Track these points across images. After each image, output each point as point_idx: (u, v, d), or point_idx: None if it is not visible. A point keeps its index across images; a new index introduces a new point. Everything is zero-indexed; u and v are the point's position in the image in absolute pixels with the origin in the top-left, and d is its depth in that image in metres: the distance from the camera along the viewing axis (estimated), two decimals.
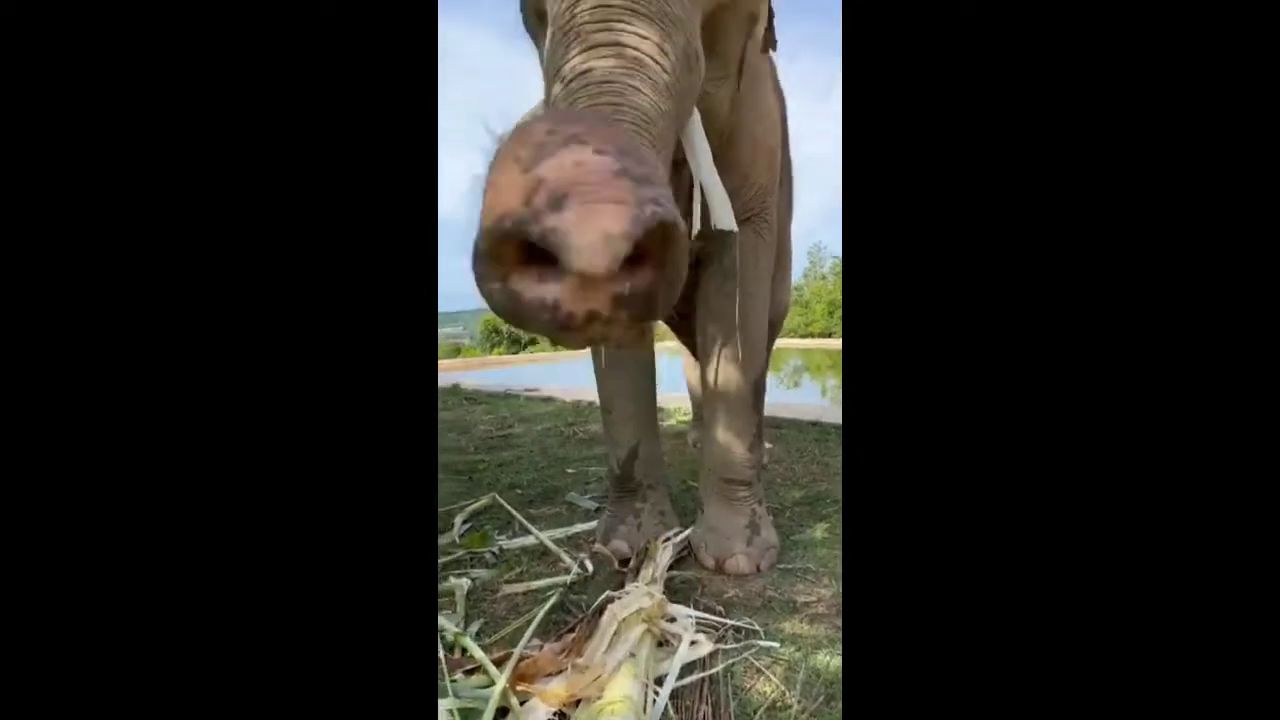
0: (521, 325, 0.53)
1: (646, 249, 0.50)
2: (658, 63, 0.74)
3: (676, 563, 1.42)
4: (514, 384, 4.97)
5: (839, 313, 15.80)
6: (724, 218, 1.02)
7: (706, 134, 0.99)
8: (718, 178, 1.00)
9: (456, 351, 16.45)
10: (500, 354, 15.81)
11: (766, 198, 1.42)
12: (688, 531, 1.49)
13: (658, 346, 1.72)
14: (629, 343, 0.57)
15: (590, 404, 3.72)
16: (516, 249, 0.50)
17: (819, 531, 1.63)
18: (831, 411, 3.21)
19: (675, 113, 0.77)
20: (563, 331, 0.52)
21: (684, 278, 0.56)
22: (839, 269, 16.31)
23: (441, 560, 1.49)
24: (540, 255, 0.49)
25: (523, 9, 1.08)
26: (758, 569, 1.39)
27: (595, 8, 0.74)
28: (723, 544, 1.41)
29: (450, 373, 6.89)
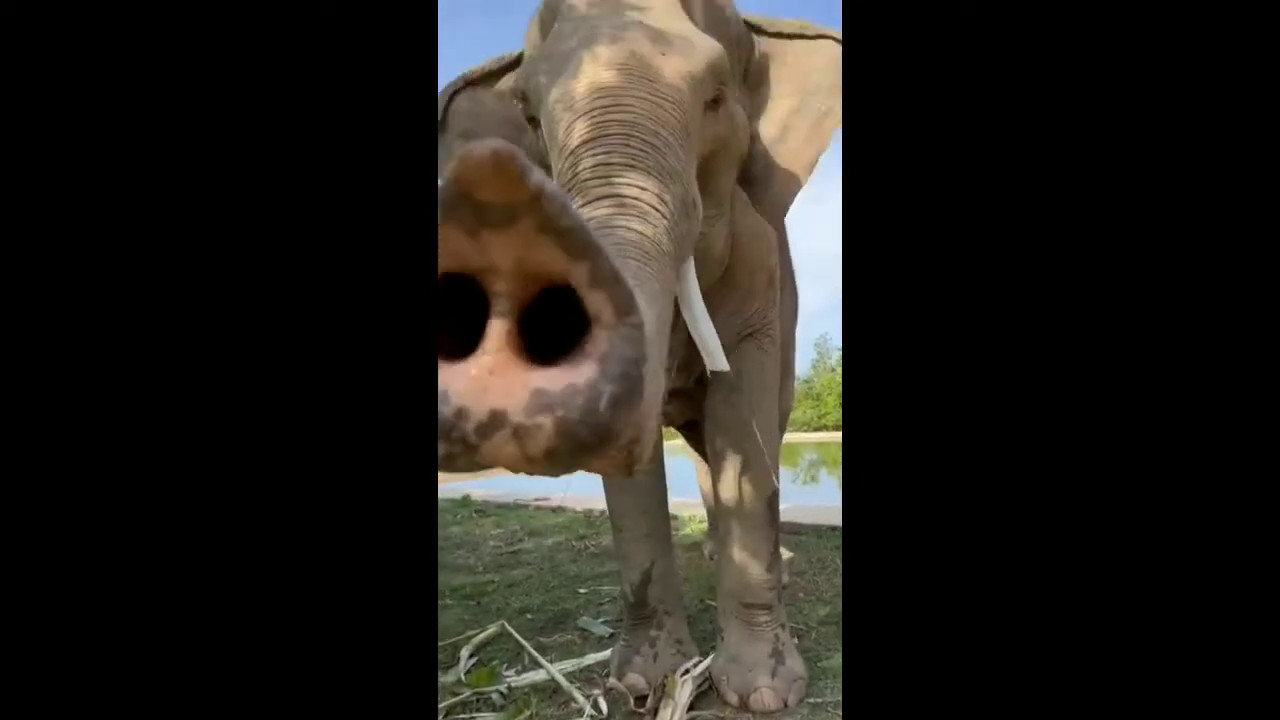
0: None
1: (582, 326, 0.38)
2: (657, 210, 0.77)
3: (698, 698, 1.32)
4: (523, 492, 4.88)
5: None
6: (718, 361, 1.04)
7: (705, 269, 1.02)
8: (710, 324, 1.02)
9: None
10: None
11: (768, 312, 1.46)
12: (707, 662, 1.40)
13: (668, 448, 1.69)
14: (561, 458, 0.39)
15: (602, 514, 3.62)
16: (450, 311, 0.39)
17: None
18: None
19: (675, 254, 0.80)
20: (448, 444, 0.37)
21: (641, 384, 0.39)
22: None
23: (446, 703, 1.39)
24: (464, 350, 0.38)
25: (529, 156, 1.16)
26: (785, 704, 1.28)
27: (596, 165, 0.79)
28: (746, 677, 1.31)
29: (460, 481, 6.81)
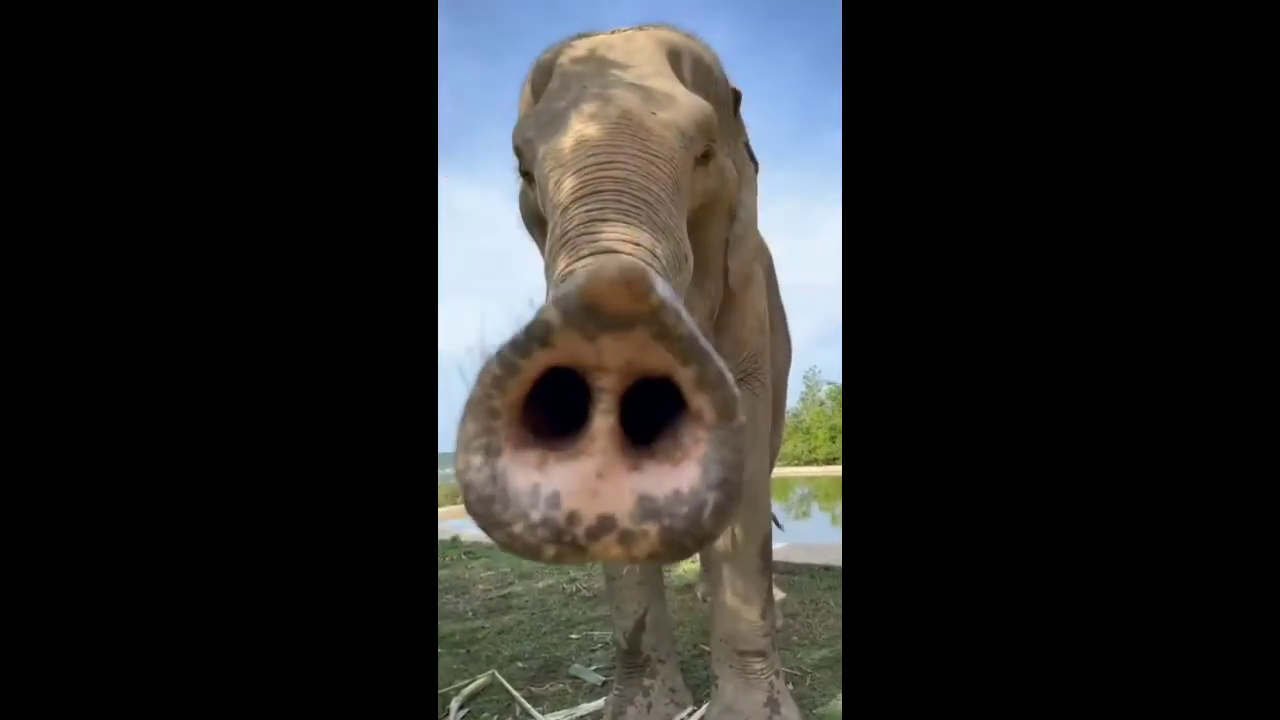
0: (496, 530, 0.38)
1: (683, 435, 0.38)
2: (649, 265, 0.80)
3: None
4: None
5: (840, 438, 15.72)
6: None
7: (697, 321, 1.04)
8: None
9: (456, 496, 16.08)
10: None
11: (759, 358, 1.48)
12: (701, 711, 1.38)
13: None
14: (663, 559, 0.41)
15: None
16: (522, 408, 0.38)
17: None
18: (837, 553, 3.10)
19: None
20: (557, 546, 0.37)
21: (740, 490, 0.39)
22: (835, 394, 16.48)
23: None
24: (549, 429, 0.40)
25: (522, 211, 1.19)
26: None
27: (589, 221, 0.81)
28: None
29: (450, 520, 6.69)
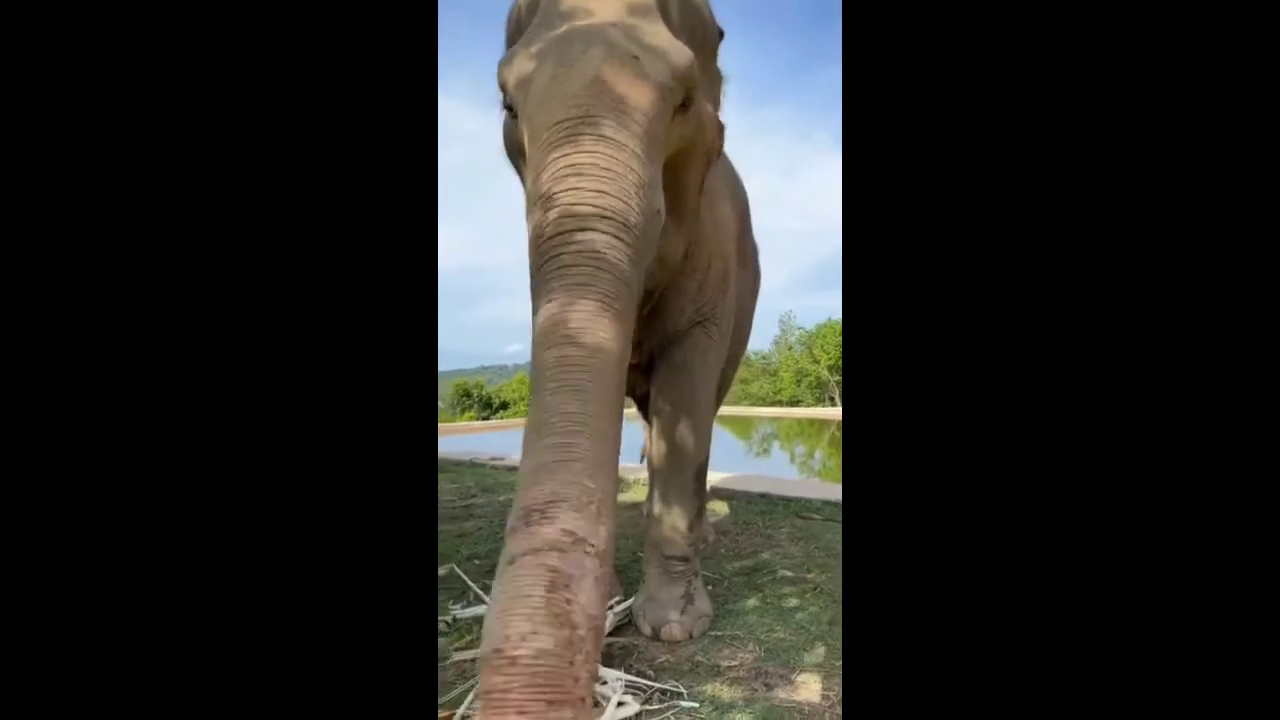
0: None
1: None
2: (624, 239, 0.88)
3: (617, 629, 1.55)
4: (480, 451, 5.05)
5: (806, 380, 16.23)
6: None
7: (664, 269, 1.18)
8: None
9: None
10: (469, 419, 15.73)
11: (719, 302, 1.63)
12: (629, 601, 1.62)
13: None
14: None
15: None
16: None
17: (752, 600, 1.77)
18: (780, 485, 3.38)
19: (639, 266, 0.92)
20: None
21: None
22: (805, 338, 16.85)
23: None
24: None
25: (505, 141, 1.23)
26: (690, 635, 1.52)
27: (564, 177, 0.88)
28: (659, 613, 1.54)
29: None
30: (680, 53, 1.04)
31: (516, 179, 1.29)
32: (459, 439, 7.45)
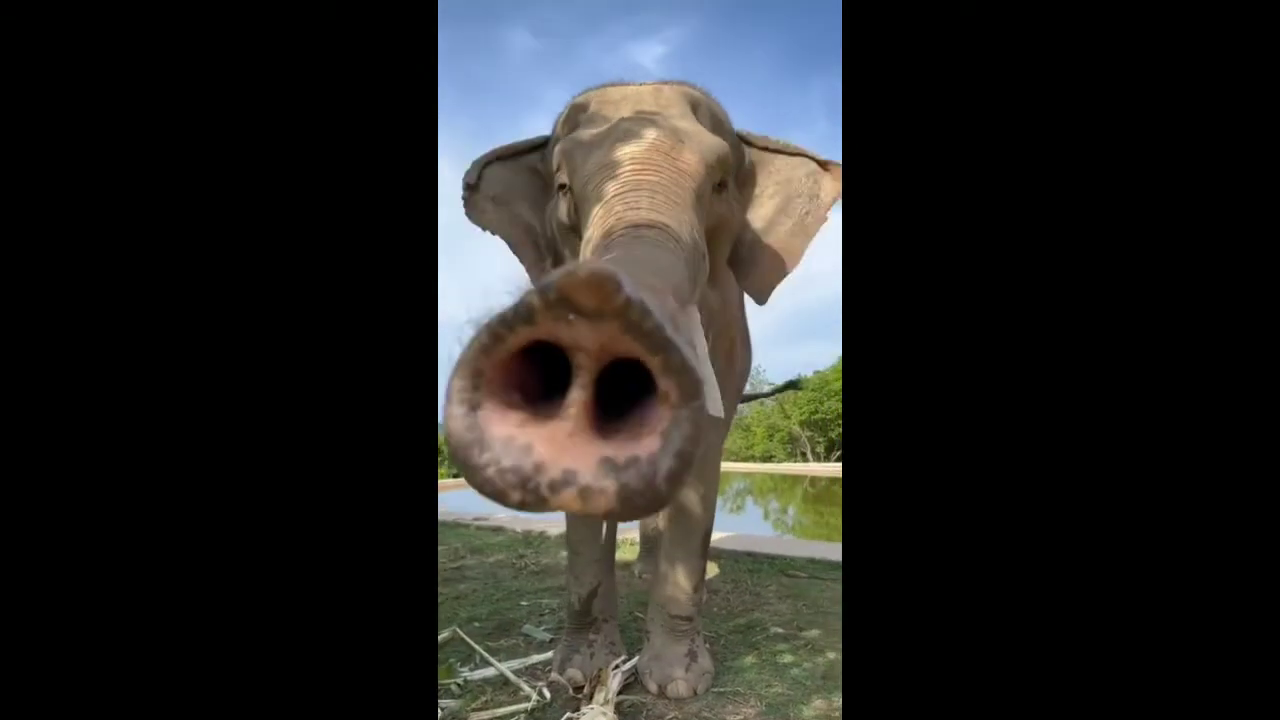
0: (471, 473, 0.43)
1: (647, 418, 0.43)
2: (677, 243, 0.93)
3: (626, 687, 1.62)
4: (463, 511, 5.03)
5: (779, 435, 16.44)
6: (714, 406, 1.18)
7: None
8: (710, 369, 1.05)
9: None
10: (444, 476, 15.37)
11: (727, 372, 1.75)
12: (635, 660, 1.70)
13: None
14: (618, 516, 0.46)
15: (540, 534, 3.86)
16: (509, 369, 0.43)
17: (749, 658, 1.86)
18: (762, 543, 3.48)
19: (694, 276, 0.94)
20: (522, 491, 0.42)
21: (694, 460, 0.43)
22: (776, 395, 17.17)
23: None
24: (538, 400, 0.45)
25: (552, 221, 1.32)
26: (695, 692, 1.60)
27: (626, 209, 0.95)
28: (665, 671, 1.62)
29: None
30: (718, 141, 1.17)
31: (494, 245, 1.42)
32: (441, 497, 7.32)
